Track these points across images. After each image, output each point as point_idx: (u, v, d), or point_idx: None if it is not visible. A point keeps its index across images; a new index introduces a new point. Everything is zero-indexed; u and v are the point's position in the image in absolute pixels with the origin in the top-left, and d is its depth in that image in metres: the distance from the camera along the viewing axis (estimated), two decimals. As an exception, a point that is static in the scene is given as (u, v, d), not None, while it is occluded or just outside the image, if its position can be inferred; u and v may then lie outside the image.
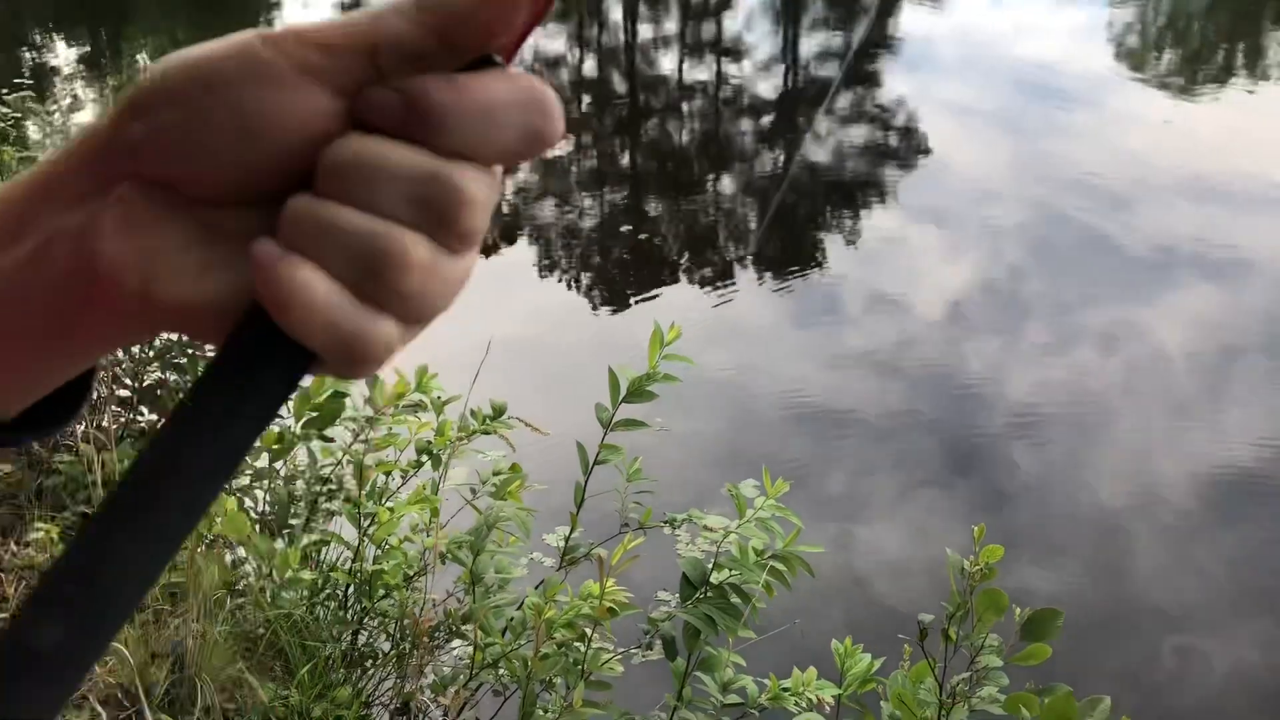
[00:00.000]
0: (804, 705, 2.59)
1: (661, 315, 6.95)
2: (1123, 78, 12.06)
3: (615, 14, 14.47)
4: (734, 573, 2.60)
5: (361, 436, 2.88)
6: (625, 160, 10.63)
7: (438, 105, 0.42)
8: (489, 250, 8.29)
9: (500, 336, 6.59)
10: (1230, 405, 6.06)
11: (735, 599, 2.59)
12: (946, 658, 2.05)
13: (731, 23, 14.12)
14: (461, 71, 0.43)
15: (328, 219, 0.42)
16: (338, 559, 3.03)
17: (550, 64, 12.84)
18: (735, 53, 13.07)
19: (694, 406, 6.06)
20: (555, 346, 6.71)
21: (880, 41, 13.16)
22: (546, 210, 9.01)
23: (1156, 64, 12.72)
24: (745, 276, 7.87)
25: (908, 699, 2.06)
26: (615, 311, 7.35)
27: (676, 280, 7.77)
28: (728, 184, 9.74)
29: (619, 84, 12.75)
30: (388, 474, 2.90)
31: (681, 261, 8.21)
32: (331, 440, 3.10)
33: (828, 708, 2.55)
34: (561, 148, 10.48)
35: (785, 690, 2.67)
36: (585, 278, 8.00)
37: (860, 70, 12.54)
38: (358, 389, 3.08)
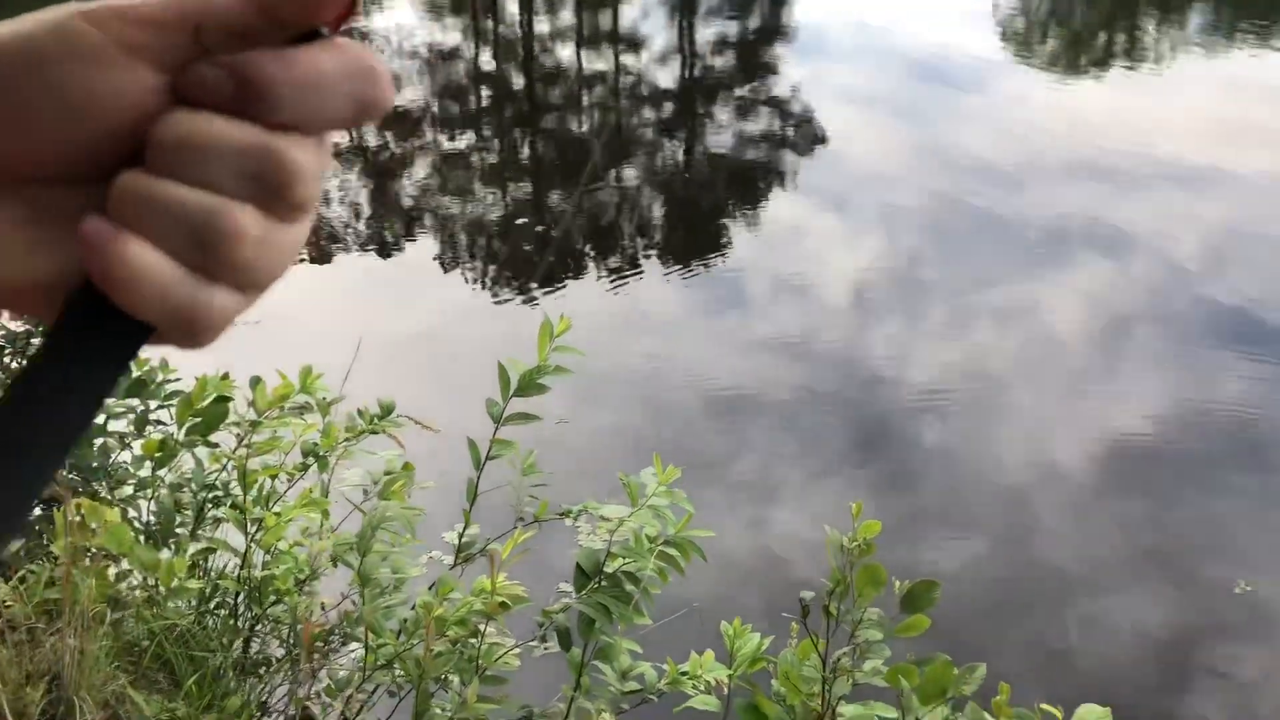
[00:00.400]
0: (701, 688, 2.62)
1: (567, 307, 6.96)
2: (1010, 61, 12.37)
3: (511, 6, 14.38)
4: (627, 561, 2.61)
5: (245, 441, 2.82)
6: (525, 153, 10.58)
7: (266, 80, 0.42)
8: (388, 247, 8.19)
9: (400, 333, 6.54)
10: (1122, 376, 6.27)
11: (630, 587, 2.60)
12: (829, 633, 2.09)
13: (628, 13, 14.13)
14: (288, 45, 0.43)
15: (157, 195, 0.42)
16: (225, 567, 2.97)
17: (446, 57, 12.72)
18: (633, 44, 13.09)
19: (603, 397, 6.08)
20: (455, 342, 6.66)
21: (776, 30, 13.30)
22: (446, 204, 8.92)
23: (1042, 47, 13.07)
24: (650, 266, 7.90)
25: (793, 676, 2.10)
26: (519, 305, 7.32)
27: (581, 272, 7.76)
28: (630, 175, 9.76)
29: (516, 77, 12.68)
30: (273, 478, 2.85)
31: (585, 254, 8.20)
32: (216, 446, 3.04)
33: (725, 690, 2.58)
34: (464, 141, 10.39)
35: (683, 674, 2.70)
36: (486, 272, 7.95)
37: (756, 59, 12.66)
38: (241, 393, 3.02)
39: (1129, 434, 5.70)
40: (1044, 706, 1.93)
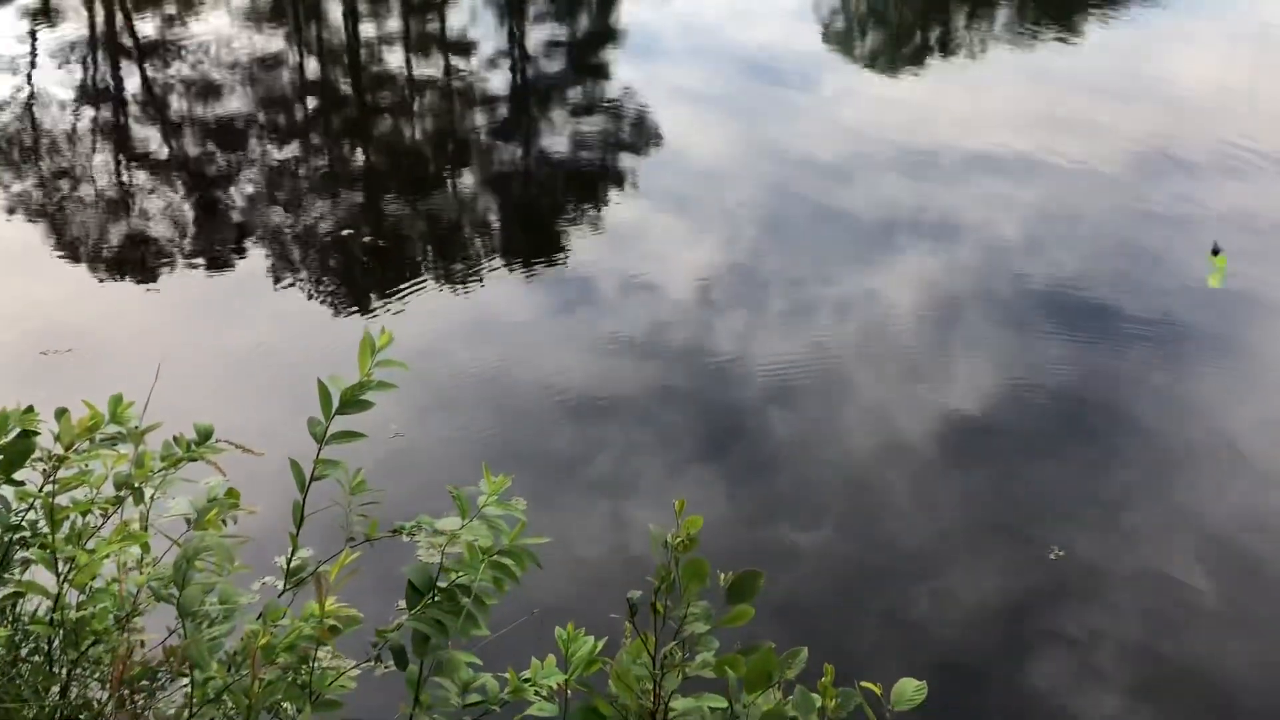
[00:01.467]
0: (544, 694, 2.62)
1: (407, 318, 6.83)
2: (834, 58, 12.75)
3: (335, 13, 14.06)
4: (460, 575, 2.59)
5: (51, 477, 2.68)
6: (358, 162, 10.37)
7: None
8: (214, 264, 7.90)
9: (227, 352, 6.32)
10: (955, 358, 6.54)
11: (463, 599, 2.58)
12: (658, 630, 2.12)
13: (456, 18, 14.00)
14: None
15: None
16: (36, 609, 2.82)
17: (269, 65, 12.35)
18: (462, 48, 12.98)
19: (449, 405, 6.01)
20: (295, 359, 6.49)
21: (605, 32, 13.39)
22: (276, 217, 8.67)
23: (863, 44, 13.53)
24: (493, 272, 7.85)
25: (624, 675, 2.12)
26: (359, 319, 7.17)
27: (421, 281, 7.66)
28: (465, 180, 9.67)
29: (344, 84, 12.41)
30: (84, 514, 2.71)
31: (426, 262, 8.10)
32: (22, 484, 2.88)
33: (569, 694, 2.59)
34: (290, 151, 10.11)
35: (526, 682, 2.69)
36: (324, 286, 7.76)
37: (588, 61, 12.71)
38: (47, 426, 2.87)
39: (958, 413, 5.96)
40: (864, 684, 2.01)
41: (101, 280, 7.59)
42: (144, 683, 2.65)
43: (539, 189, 9.63)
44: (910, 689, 2.03)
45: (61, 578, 2.65)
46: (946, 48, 13.14)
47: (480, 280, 7.66)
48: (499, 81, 12.17)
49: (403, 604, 3.61)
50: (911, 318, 6.96)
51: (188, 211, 8.82)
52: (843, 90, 11.45)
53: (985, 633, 4.54)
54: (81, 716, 2.69)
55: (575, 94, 11.70)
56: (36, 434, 2.89)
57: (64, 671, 2.70)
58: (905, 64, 12.56)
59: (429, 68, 12.64)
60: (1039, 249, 7.90)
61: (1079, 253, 7.79)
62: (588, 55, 12.96)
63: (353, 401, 2.74)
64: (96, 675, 2.74)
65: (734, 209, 8.65)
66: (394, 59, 12.84)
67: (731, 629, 2.27)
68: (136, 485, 2.68)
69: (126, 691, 2.41)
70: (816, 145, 9.80)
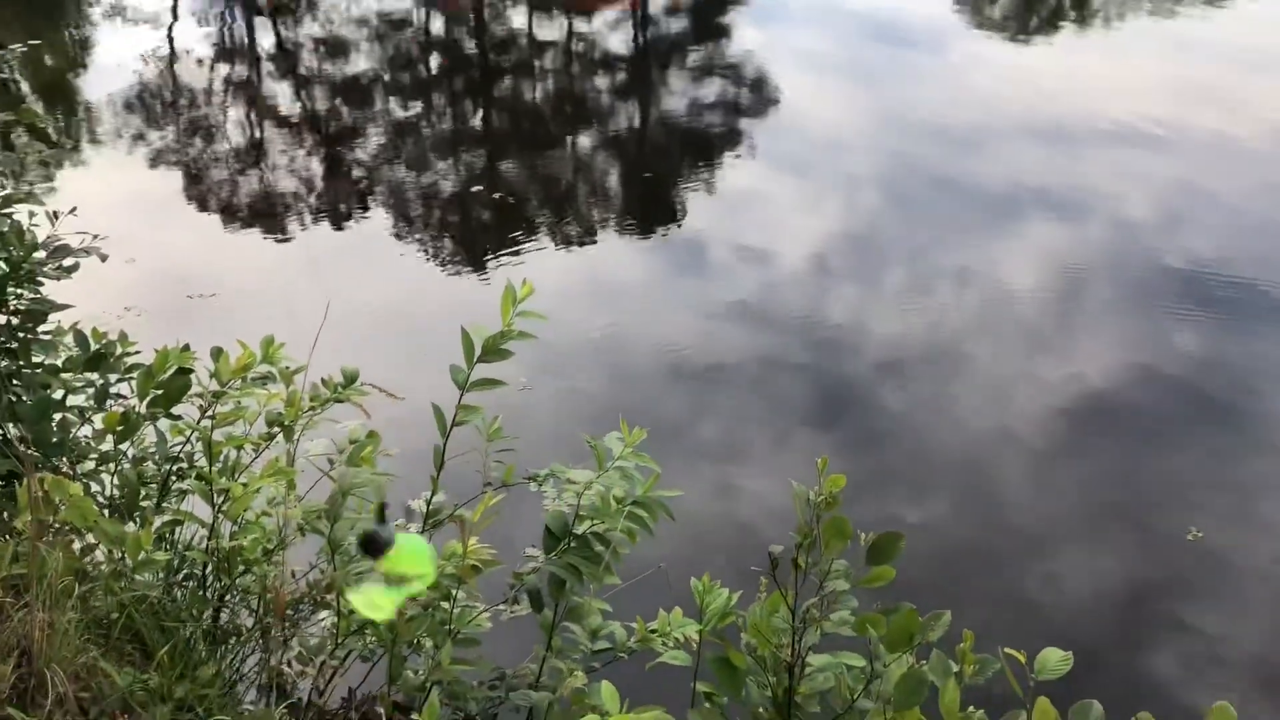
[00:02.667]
0: (670, 645, 2.66)
1: (524, 276, 6.92)
2: (963, 24, 12.42)
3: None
4: (596, 522, 2.64)
5: (209, 412, 2.81)
6: (478, 120, 10.49)
7: None
8: (342, 219, 8.11)
9: (362, 305, 6.49)
10: (1078, 336, 6.36)
11: (599, 547, 2.63)
12: (798, 586, 2.13)
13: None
14: None
15: None
16: (193, 538, 2.96)
17: (395, 25, 12.55)
18: (585, 10, 12.98)
19: (562, 364, 6.08)
20: (418, 312, 6.62)
21: (729, -6, 13.24)
22: (400, 174, 8.84)
23: (993, 9, 13.14)
24: (607, 234, 7.89)
25: (763, 628, 2.14)
26: (476, 275, 7.29)
27: (538, 241, 7.74)
28: (585, 142, 9.71)
29: (468, 43, 12.54)
30: (239, 449, 2.84)
31: (543, 222, 8.18)
32: (179, 418, 3.02)
33: (693, 645, 2.62)
34: (415, 110, 10.29)
35: (653, 632, 2.74)
36: (443, 241, 7.90)
37: (710, 24, 12.61)
38: (202, 365, 3.00)
39: (1084, 392, 5.80)
40: (1008, 650, 1.99)
41: (238, 231, 7.85)
42: (288, 612, 2.76)
43: (655, 151, 9.62)
44: (1055, 658, 2.01)
45: (216, 508, 2.78)
46: (1082, 14, 12.69)
47: (595, 239, 7.71)
48: (619, 43, 12.16)
49: (530, 550, 3.69)
50: (1034, 292, 6.78)
51: (318, 166, 9.05)
52: (971, 56, 11.15)
53: (1111, 615, 4.44)
54: (231, 640, 2.82)
55: (695, 57, 11.62)
56: (192, 371, 3.03)
57: (215, 597, 2.83)
58: (1038, 30, 12.17)
59: (551, 29, 12.69)
60: (1172, 224, 7.62)
61: (1215, 230, 7.49)
62: (710, 17, 12.85)
63: (494, 350, 2.79)
64: (245, 602, 2.87)
65: (854, 177, 8.52)
66: (517, 20, 12.93)
67: (866, 590, 2.27)
68: (287, 423, 2.78)
69: (280, 619, 2.52)
70: (941, 113, 9.58)
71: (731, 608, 2.43)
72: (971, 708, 2.14)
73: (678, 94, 10.50)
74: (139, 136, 9.50)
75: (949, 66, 10.89)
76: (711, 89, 10.56)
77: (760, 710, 2.24)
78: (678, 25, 12.63)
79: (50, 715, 2.20)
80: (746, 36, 11.83)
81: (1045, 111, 9.48)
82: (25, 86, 10.63)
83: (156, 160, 9.00)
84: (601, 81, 11.16)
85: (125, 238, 6.10)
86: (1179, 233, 7.50)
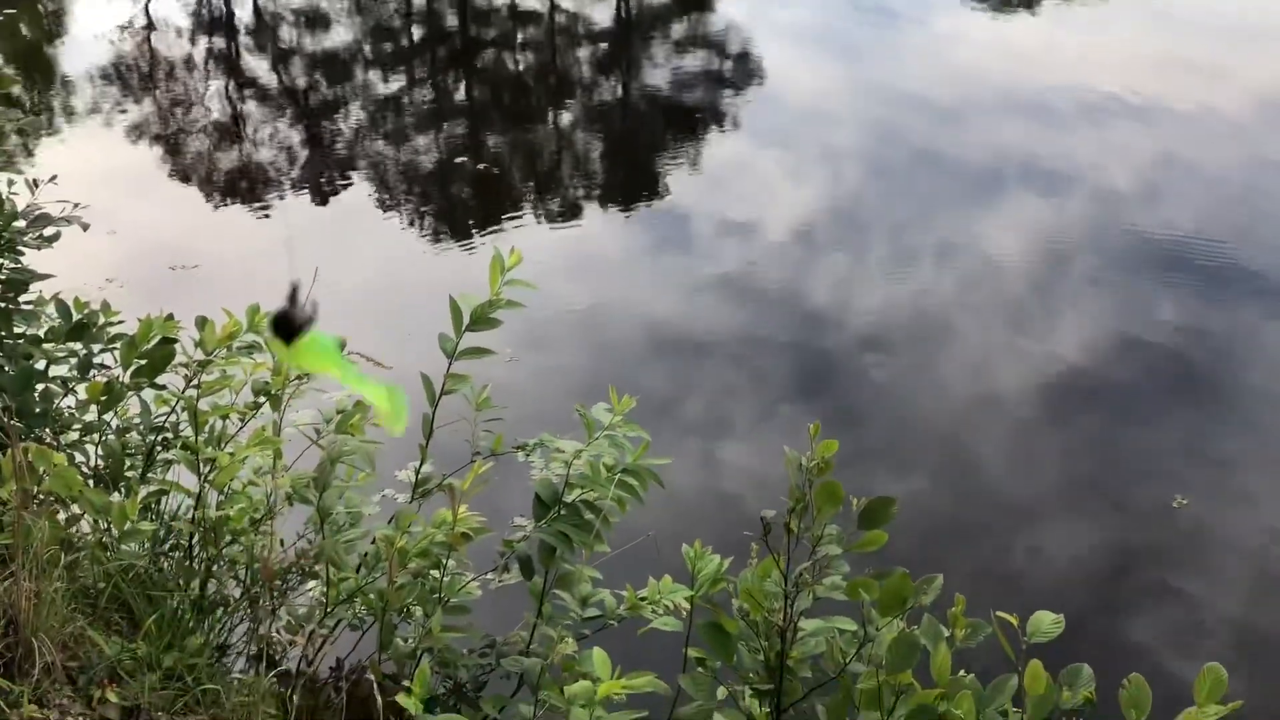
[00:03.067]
0: (660, 611, 2.66)
1: (506, 249, 6.88)
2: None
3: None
4: (586, 490, 2.63)
5: (194, 381, 2.78)
6: (460, 93, 10.41)
7: None
8: (324, 191, 8.04)
9: (342, 278, 6.45)
10: (1061, 308, 6.38)
11: (588, 515, 2.63)
12: (790, 551, 2.13)
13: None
14: None
15: None
16: (179, 508, 2.94)
17: (378, -3, 12.42)
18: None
19: (551, 338, 6.06)
20: (399, 284, 6.59)
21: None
22: (383, 148, 8.77)
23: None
24: (590, 207, 7.85)
25: (755, 593, 2.14)
26: (458, 246, 7.25)
27: (521, 214, 7.70)
28: (566, 114, 9.65)
29: (449, 15, 12.43)
30: (225, 418, 2.81)
31: (526, 195, 8.13)
32: (164, 388, 2.99)
33: (683, 612, 2.62)
34: (396, 82, 10.20)
35: (643, 599, 2.74)
36: (426, 214, 7.85)
37: (694, -5, 12.54)
38: (187, 334, 2.97)
39: (1067, 363, 5.82)
40: (1000, 614, 1.99)
41: (220, 203, 7.78)
42: (276, 582, 2.75)
43: (638, 124, 9.57)
44: (1047, 621, 2.02)
45: (202, 478, 2.76)
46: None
47: (579, 213, 7.67)
48: (603, 14, 12.07)
49: (519, 520, 3.68)
50: (1017, 265, 6.79)
51: (299, 138, 8.97)
52: (953, 29, 11.13)
53: (1098, 580, 4.48)
54: (219, 610, 2.81)
55: (679, 29, 11.56)
56: (176, 341, 3.00)
57: (202, 567, 2.81)
58: (1022, 4, 12.14)
59: (533, 1, 12.59)
60: (1154, 197, 7.63)
61: (1197, 203, 7.51)
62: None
63: (483, 319, 2.78)
64: (233, 572, 2.86)
65: (837, 149, 8.50)
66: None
67: (856, 556, 2.27)
68: (273, 392, 2.76)
69: (268, 588, 2.51)
70: (924, 86, 9.56)
71: (723, 574, 2.43)
72: (962, 671, 2.15)
73: (660, 67, 10.44)
74: (118, 109, 9.38)
75: (933, 39, 10.86)
76: (695, 61, 10.50)
77: (752, 675, 2.24)
78: (660, -3, 12.55)
79: (38, 684, 2.18)
80: (728, 9, 11.76)
81: (1029, 84, 9.48)
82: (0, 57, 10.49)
83: (136, 133, 8.89)
84: (583, 54, 11.08)
85: (106, 210, 6.03)
86: (1161, 207, 7.52)
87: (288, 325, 0.76)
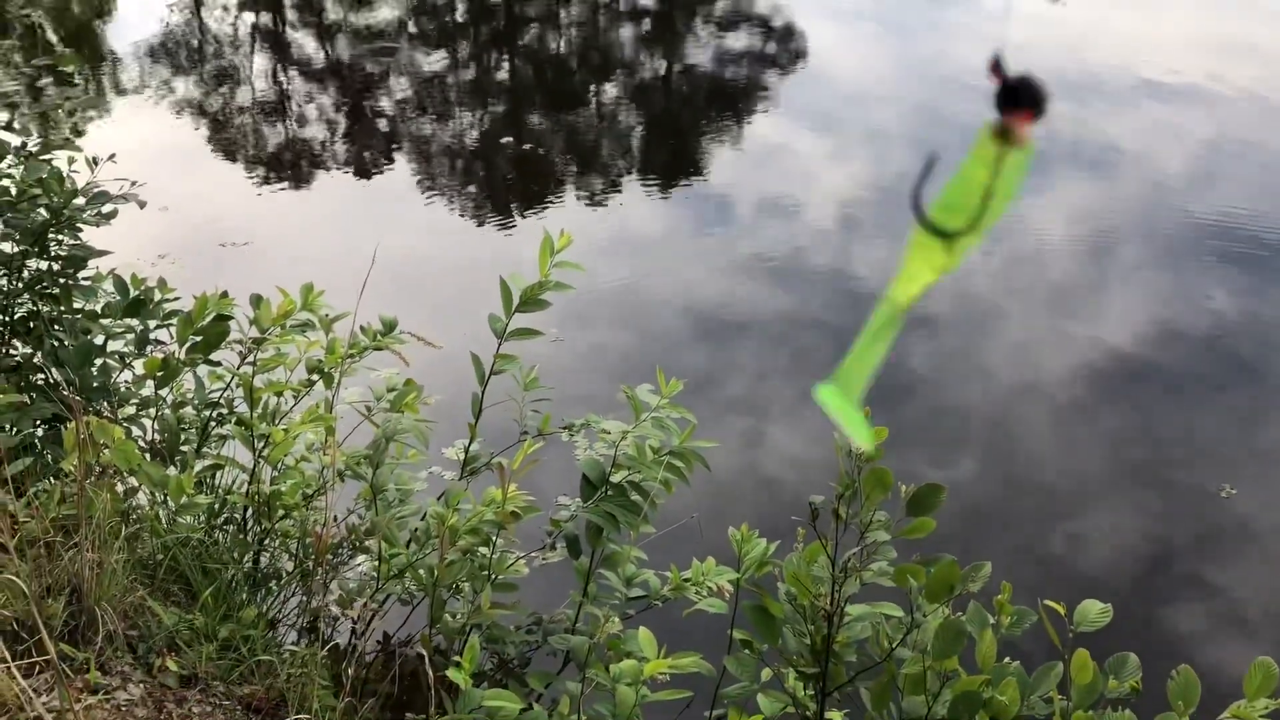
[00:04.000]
0: (704, 593, 2.69)
1: (549, 228, 6.92)
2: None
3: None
4: (632, 471, 2.66)
5: (249, 359, 2.83)
6: (504, 73, 10.43)
7: None
8: (367, 167, 8.10)
9: (387, 255, 6.50)
10: (1108, 293, 6.32)
11: (635, 496, 2.65)
12: (838, 536, 2.14)
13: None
14: None
15: None
16: (234, 482, 3.00)
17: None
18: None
19: (593, 318, 6.09)
20: (443, 263, 6.63)
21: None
22: (427, 126, 8.81)
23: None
24: (632, 187, 7.86)
25: (802, 577, 2.15)
26: (501, 226, 7.28)
27: (563, 193, 7.71)
28: (610, 94, 9.64)
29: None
30: (279, 395, 2.86)
31: (567, 174, 8.14)
32: (218, 364, 3.05)
33: (728, 594, 2.64)
34: (440, 61, 10.22)
35: (687, 580, 2.76)
36: (470, 193, 7.89)
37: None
38: (241, 312, 3.02)
39: (1114, 350, 5.77)
40: (1048, 603, 2.00)
41: (268, 180, 7.86)
42: (328, 556, 2.80)
43: (681, 104, 9.54)
44: (1094, 610, 2.02)
45: (257, 454, 2.81)
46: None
47: (620, 192, 7.68)
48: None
49: (562, 499, 3.71)
50: (1064, 249, 6.73)
51: (346, 116, 9.03)
52: (1002, 7, 10.98)
53: (1144, 568, 4.45)
54: (271, 583, 2.86)
55: (723, 6, 11.50)
56: (231, 318, 3.05)
57: (255, 541, 2.87)
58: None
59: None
60: (1205, 181, 7.52)
61: (1248, 187, 7.39)
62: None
63: (532, 300, 2.80)
64: (285, 546, 2.91)
65: (880, 129, 8.44)
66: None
67: (901, 541, 2.28)
68: (327, 370, 2.80)
69: (320, 562, 2.56)
70: (971, 65, 9.45)
71: (768, 558, 2.45)
72: (1007, 659, 2.16)
73: (704, 45, 10.39)
74: (167, 85, 9.49)
75: (979, 18, 10.73)
76: (738, 40, 10.44)
77: (797, 658, 2.26)
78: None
79: (101, 651, 2.24)
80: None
81: (1076, 64, 9.35)
82: (52, 35, 10.62)
83: (185, 108, 8.99)
84: (627, 32, 11.05)
85: (158, 186, 6.12)
86: (1212, 191, 7.41)
87: (1029, 92, 0.59)
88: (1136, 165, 7.73)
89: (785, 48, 10.35)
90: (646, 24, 11.21)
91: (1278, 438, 5.12)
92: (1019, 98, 0.46)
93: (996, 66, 0.46)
